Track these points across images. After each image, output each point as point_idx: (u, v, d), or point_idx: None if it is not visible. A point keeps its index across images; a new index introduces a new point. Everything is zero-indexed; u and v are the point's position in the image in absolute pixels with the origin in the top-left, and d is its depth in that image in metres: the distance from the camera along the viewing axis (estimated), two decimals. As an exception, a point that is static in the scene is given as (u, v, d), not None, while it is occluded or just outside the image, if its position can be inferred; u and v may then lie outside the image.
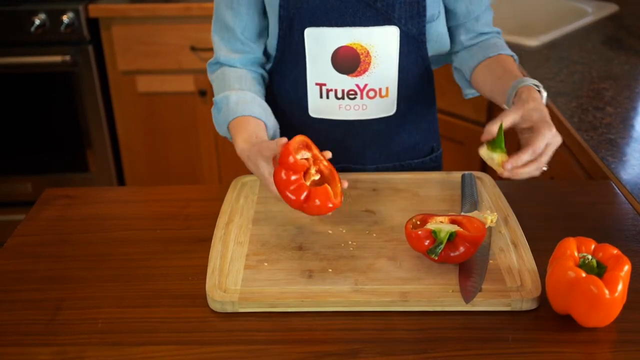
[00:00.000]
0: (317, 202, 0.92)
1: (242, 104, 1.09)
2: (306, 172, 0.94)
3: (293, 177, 0.91)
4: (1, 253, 1.00)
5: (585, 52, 1.86)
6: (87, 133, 2.37)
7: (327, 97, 1.15)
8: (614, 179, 1.20)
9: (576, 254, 0.83)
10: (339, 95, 1.15)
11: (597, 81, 1.65)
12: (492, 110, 1.97)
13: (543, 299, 0.85)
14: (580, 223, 1.04)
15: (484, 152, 0.94)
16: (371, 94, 1.15)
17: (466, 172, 1.15)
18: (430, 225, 0.91)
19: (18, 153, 2.41)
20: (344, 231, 1.00)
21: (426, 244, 0.89)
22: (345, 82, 1.14)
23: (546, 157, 0.92)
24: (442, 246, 0.88)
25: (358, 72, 1.13)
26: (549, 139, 0.92)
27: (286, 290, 0.88)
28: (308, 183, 0.93)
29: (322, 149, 0.98)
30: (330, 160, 0.98)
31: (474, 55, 1.18)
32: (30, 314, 0.87)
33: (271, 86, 1.23)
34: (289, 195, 0.92)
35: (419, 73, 1.18)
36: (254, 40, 1.17)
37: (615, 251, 0.83)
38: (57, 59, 2.20)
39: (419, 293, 0.86)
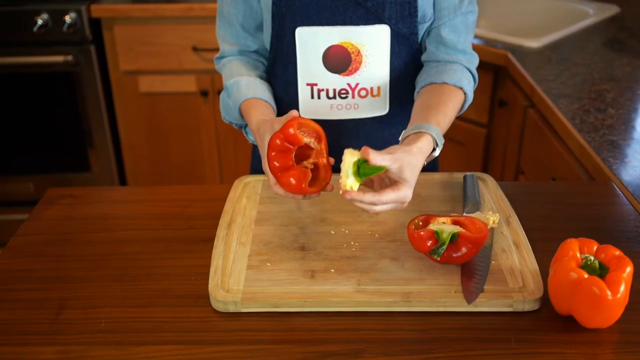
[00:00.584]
0: (292, 180, 0.92)
1: (252, 87, 1.13)
2: (304, 158, 0.95)
3: (286, 145, 0.93)
4: (5, 252, 1.00)
5: (586, 53, 1.86)
6: (89, 133, 2.37)
7: (319, 98, 1.16)
8: (615, 180, 1.20)
9: (578, 255, 0.83)
10: (331, 94, 1.15)
11: (598, 83, 1.65)
12: (494, 111, 1.98)
13: (545, 300, 0.86)
14: (582, 224, 1.04)
15: (352, 169, 0.89)
16: (363, 93, 1.16)
17: (468, 173, 1.15)
18: (433, 226, 0.92)
19: (20, 153, 2.42)
20: (347, 232, 1.01)
21: (429, 244, 0.90)
22: (337, 81, 1.14)
23: (380, 208, 0.90)
24: (444, 247, 0.88)
25: (349, 71, 1.14)
26: (400, 200, 0.90)
27: (289, 290, 0.88)
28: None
29: None
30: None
31: (424, 75, 1.14)
32: (33, 313, 0.87)
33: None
34: (274, 161, 0.93)
35: (411, 72, 1.18)
36: (253, 32, 1.19)
37: (618, 252, 0.83)
38: (59, 59, 2.21)
39: (421, 293, 0.87)
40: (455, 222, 0.93)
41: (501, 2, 2.38)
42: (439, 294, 0.86)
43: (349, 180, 0.89)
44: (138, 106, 2.37)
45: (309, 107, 1.17)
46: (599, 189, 1.19)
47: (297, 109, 1.18)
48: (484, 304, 0.85)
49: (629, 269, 0.81)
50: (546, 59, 1.83)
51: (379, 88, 1.16)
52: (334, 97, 1.16)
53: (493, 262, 0.93)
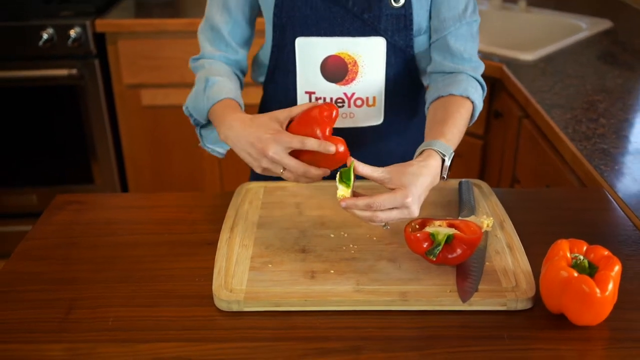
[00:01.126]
0: (318, 131, 0.99)
1: (238, 92, 1.14)
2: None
3: (325, 116, 0.99)
4: (14, 255, 1.03)
5: (580, 66, 1.90)
6: (92, 145, 2.40)
7: None
8: (606, 186, 1.24)
9: (569, 254, 0.86)
10: None
11: (591, 94, 1.69)
12: (490, 123, 2.01)
13: (537, 300, 0.89)
14: (573, 228, 1.07)
15: (337, 177, 0.95)
16: (358, 102, 1.19)
17: (463, 180, 1.18)
18: (429, 229, 0.94)
19: (24, 165, 2.45)
20: (346, 235, 1.04)
21: (425, 246, 0.92)
22: (334, 90, 1.18)
23: (384, 216, 0.91)
24: (440, 248, 0.91)
25: (346, 81, 1.18)
26: (398, 203, 0.91)
27: (290, 290, 0.91)
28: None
29: None
30: None
31: (432, 89, 1.17)
32: (43, 313, 0.90)
33: (264, 97, 1.29)
34: (316, 129, 0.98)
35: (407, 84, 1.22)
36: (240, 45, 1.21)
37: (606, 252, 0.86)
38: (64, 72, 2.24)
39: (418, 293, 0.89)
40: (450, 225, 0.95)
41: (497, 16, 2.43)
42: (435, 294, 0.89)
43: (339, 190, 0.93)
44: (141, 119, 2.40)
45: None
46: (591, 195, 1.22)
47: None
48: (478, 303, 0.88)
49: (617, 268, 0.83)
50: (540, 71, 1.87)
51: (374, 98, 1.20)
52: None
53: (487, 263, 0.96)
